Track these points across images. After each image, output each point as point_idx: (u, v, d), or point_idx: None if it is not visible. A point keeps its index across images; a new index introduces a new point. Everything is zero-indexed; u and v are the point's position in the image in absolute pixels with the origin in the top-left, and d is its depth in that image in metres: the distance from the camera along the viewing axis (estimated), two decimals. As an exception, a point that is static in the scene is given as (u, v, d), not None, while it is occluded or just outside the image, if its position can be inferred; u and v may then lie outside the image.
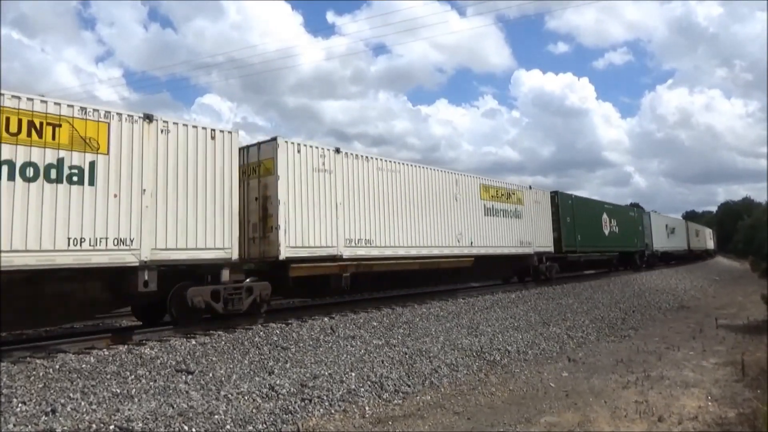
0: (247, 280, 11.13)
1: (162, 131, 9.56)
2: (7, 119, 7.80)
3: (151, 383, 6.96)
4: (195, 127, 10.13)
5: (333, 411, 6.63)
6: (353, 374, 7.85)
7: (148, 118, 9.36)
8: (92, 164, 8.61)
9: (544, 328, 12.63)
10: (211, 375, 7.45)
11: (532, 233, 20.07)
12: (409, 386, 7.76)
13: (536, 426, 6.31)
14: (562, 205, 22.63)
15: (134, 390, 6.67)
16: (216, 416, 5.99)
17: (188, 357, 8.10)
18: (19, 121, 7.92)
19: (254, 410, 6.29)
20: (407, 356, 9.04)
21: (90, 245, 8.45)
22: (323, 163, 12.31)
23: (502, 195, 18.75)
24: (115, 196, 8.82)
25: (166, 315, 10.51)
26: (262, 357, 8.50)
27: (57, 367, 7.16)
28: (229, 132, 10.60)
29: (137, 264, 9.01)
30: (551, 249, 21.37)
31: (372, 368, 8.24)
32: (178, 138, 9.78)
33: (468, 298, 15.17)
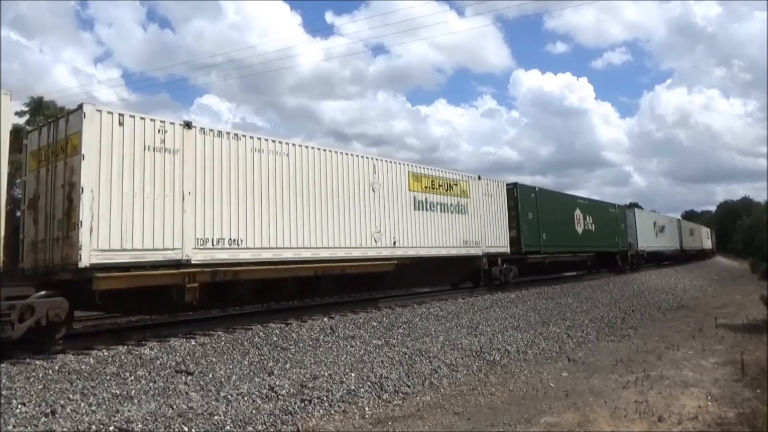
0: (34, 295, 8.16)
1: None
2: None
3: (151, 384, 6.96)
4: None
5: (333, 412, 6.63)
6: (353, 375, 7.85)
7: None
8: None
9: (544, 327, 12.63)
10: (210, 376, 7.45)
11: (480, 231, 16.95)
12: (408, 386, 7.76)
13: (536, 426, 6.31)
14: (523, 200, 19.65)
15: (134, 391, 6.66)
16: (216, 417, 5.99)
17: (188, 358, 8.10)
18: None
19: (254, 411, 6.29)
20: (407, 356, 9.04)
21: None
22: (163, 141, 9.50)
23: (439, 186, 15.67)
24: None
25: None
26: (262, 357, 8.50)
27: (56, 368, 7.16)
28: None
29: None
30: (507, 249, 18.27)
31: (372, 368, 8.24)
32: None
33: (468, 298, 15.17)
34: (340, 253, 12.38)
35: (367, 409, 6.84)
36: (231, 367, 7.92)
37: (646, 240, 32.89)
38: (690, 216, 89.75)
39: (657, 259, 36.61)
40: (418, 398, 7.40)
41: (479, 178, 17.50)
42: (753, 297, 19.35)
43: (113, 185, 8.80)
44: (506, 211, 18.59)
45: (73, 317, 9.28)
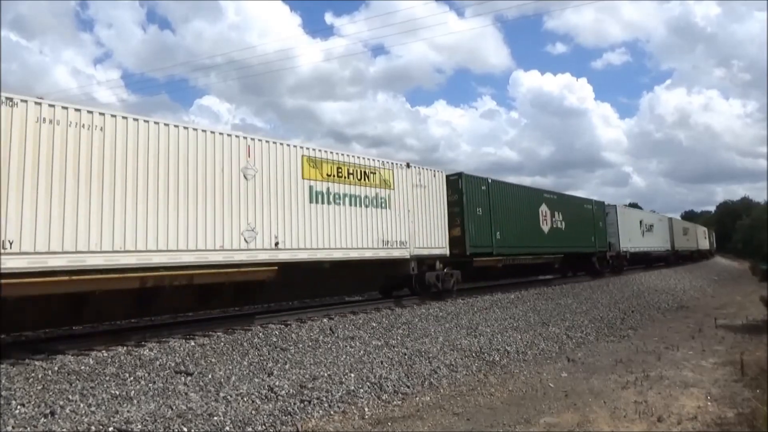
0: None
1: None
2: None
3: (150, 385, 6.95)
4: None
5: (332, 412, 6.63)
6: (352, 375, 7.85)
7: None
8: None
9: (543, 328, 12.63)
10: (210, 376, 7.45)
11: (408, 229, 14.21)
12: (408, 387, 7.76)
13: (535, 427, 6.31)
14: (471, 192, 16.82)
15: (133, 391, 6.66)
16: (215, 418, 5.99)
17: (187, 358, 8.10)
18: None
19: (253, 412, 6.29)
20: (406, 357, 9.04)
21: None
22: None
23: (349, 174, 12.88)
24: None
25: None
26: (261, 358, 8.50)
27: (56, 368, 7.16)
28: None
29: None
30: (445, 251, 15.44)
31: (371, 369, 8.24)
32: None
33: (467, 299, 15.17)
34: (187, 258, 9.55)
35: (366, 409, 6.85)
36: (230, 367, 7.92)
37: (630, 240, 30.07)
38: (690, 216, 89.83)
39: (644, 261, 33.86)
40: (417, 399, 7.40)
41: (408, 166, 14.70)
42: (753, 297, 19.37)
43: None
44: (446, 206, 15.74)
45: None
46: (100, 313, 9.54)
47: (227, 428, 5.85)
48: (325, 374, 7.79)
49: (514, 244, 18.83)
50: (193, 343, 8.75)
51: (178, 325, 10.66)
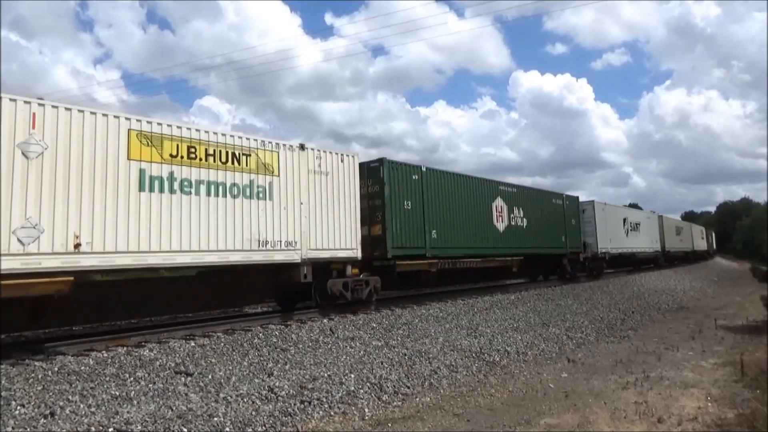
0: None
1: None
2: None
3: (150, 385, 6.95)
4: None
5: (332, 413, 6.63)
6: (352, 376, 7.85)
7: None
8: None
9: (544, 328, 12.63)
10: (210, 377, 7.44)
11: (300, 226, 11.58)
12: (408, 388, 7.76)
13: (536, 427, 6.31)
14: (397, 183, 14.15)
15: (133, 392, 6.66)
16: (215, 418, 5.99)
17: (187, 359, 8.09)
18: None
19: (253, 412, 6.29)
20: (406, 357, 9.04)
21: None
22: None
23: (208, 155, 10.16)
24: None
25: None
26: (261, 359, 8.49)
27: (56, 369, 7.15)
28: None
29: None
30: (354, 253, 12.80)
31: (371, 370, 8.24)
32: None
33: (468, 299, 15.16)
34: None
35: (366, 410, 6.85)
36: (230, 368, 7.92)
37: (611, 239, 26.90)
38: (690, 216, 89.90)
39: (629, 263, 30.88)
40: (417, 399, 7.40)
41: (302, 147, 11.91)
42: (753, 298, 19.38)
43: None
44: (357, 198, 13.10)
45: None
46: None
47: (227, 429, 5.85)
48: (325, 375, 7.79)
49: (456, 245, 16.14)
50: (193, 344, 8.74)
51: (177, 326, 10.66)
